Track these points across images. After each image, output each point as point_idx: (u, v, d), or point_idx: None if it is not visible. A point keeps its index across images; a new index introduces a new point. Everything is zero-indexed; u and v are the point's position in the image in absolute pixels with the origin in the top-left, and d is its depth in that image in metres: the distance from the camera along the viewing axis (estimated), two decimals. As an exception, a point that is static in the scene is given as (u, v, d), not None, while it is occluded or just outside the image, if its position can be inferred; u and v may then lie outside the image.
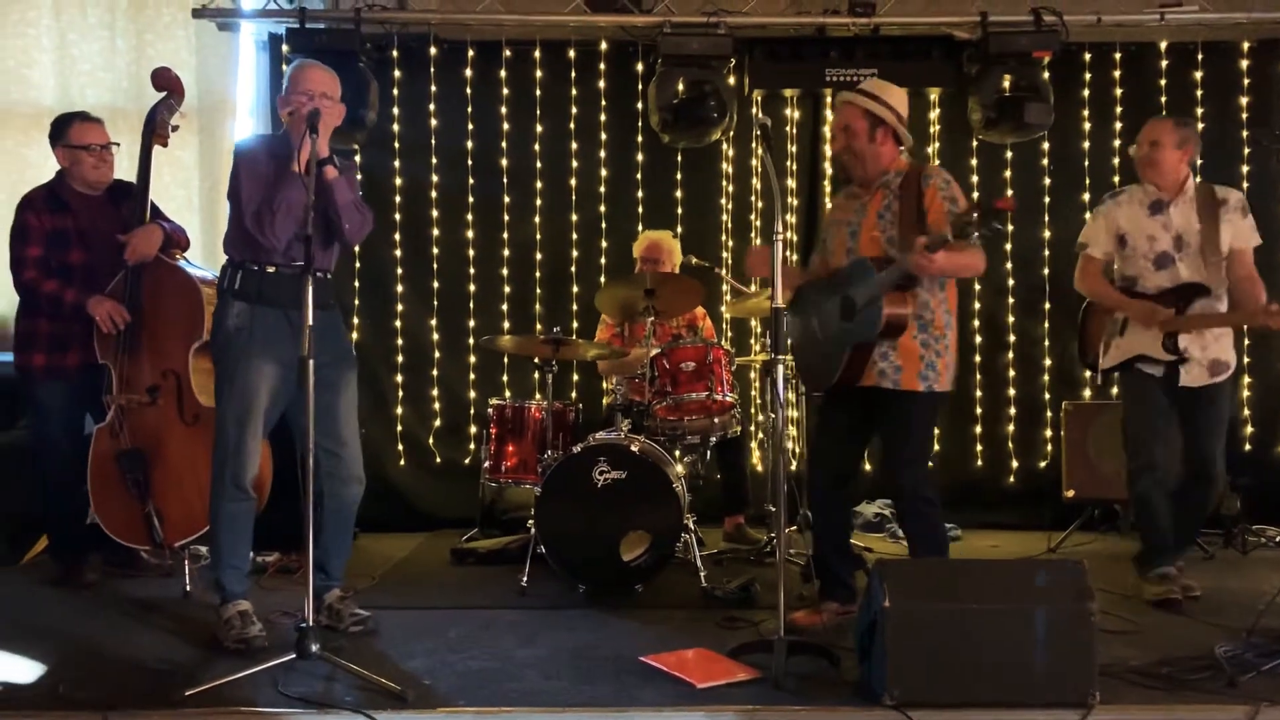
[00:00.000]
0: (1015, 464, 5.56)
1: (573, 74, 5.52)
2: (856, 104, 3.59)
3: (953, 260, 3.36)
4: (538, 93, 5.52)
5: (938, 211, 3.44)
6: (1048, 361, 5.56)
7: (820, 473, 3.74)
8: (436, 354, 5.58)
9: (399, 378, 5.56)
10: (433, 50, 5.45)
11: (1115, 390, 5.17)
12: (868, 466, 5.27)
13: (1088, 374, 5.46)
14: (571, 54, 5.50)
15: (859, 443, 3.74)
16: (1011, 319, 5.58)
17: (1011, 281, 5.56)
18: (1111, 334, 4.01)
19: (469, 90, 5.51)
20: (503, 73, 5.49)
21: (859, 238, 3.57)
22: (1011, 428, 5.57)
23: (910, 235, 3.40)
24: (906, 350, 3.46)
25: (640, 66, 5.50)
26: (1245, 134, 5.45)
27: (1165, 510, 3.93)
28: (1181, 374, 3.86)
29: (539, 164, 5.55)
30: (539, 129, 5.54)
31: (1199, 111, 5.44)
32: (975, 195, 5.37)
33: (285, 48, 5.25)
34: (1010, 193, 5.47)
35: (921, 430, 3.59)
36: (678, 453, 4.45)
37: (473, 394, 5.56)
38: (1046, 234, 5.54)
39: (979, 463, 5.57)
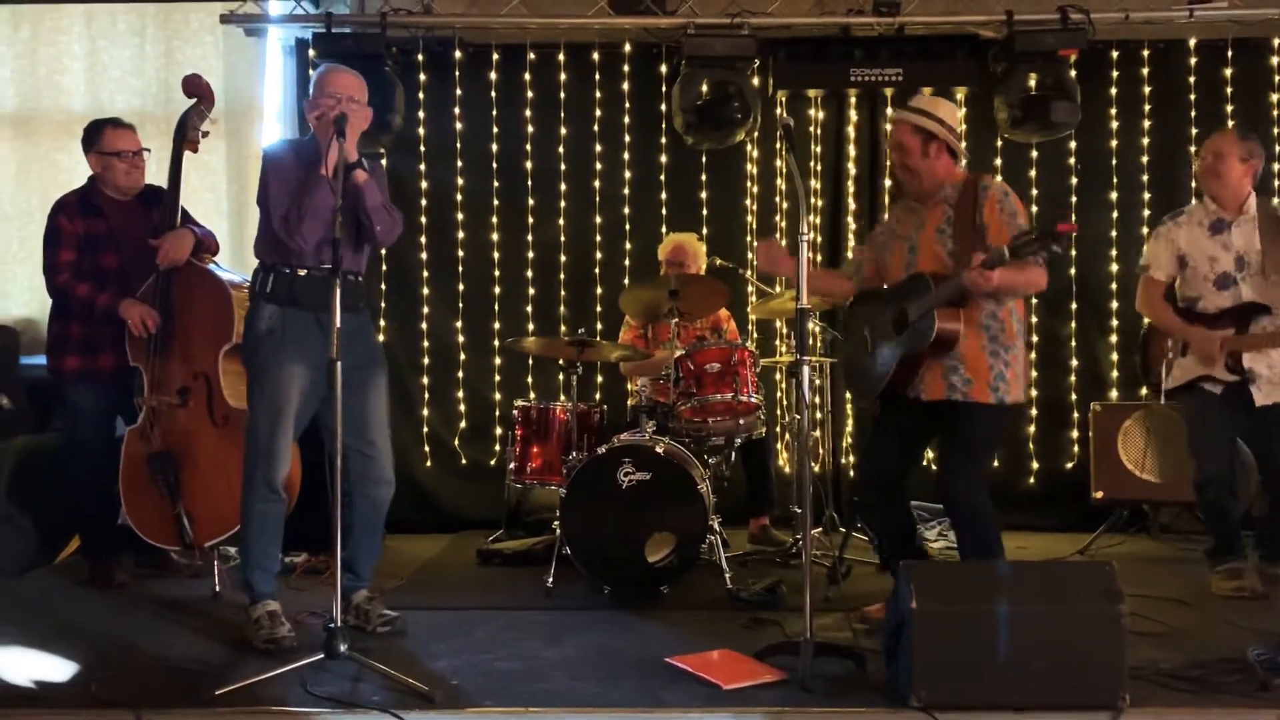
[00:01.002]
0: (1042, 465, 5.51)
1: (596, 76, 5.53)
2: (906, 120, 3.58)
3: (1010, 278, 3.32)
4: (562, 95, 5.54)
5: (997, 225, 3.41)
6: (1074, 362, 5.52)
7: (868, 479, 3.76)
8: (462, 356, 5.60)
9: (425, 380, 5.59)
10: (457, 54, 5.47)
11: (1143, 391, 5.16)
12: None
13: (1115, 375, 5.43)
14: (595, 56, 5.51)
15: (910, 452, 3.69)
16: (1036, 319, 5.54)
17: (1038, 281, 5.52)
18: (1174, 356, 4.10)
19: (493, 93, 5.53)
20: (527, 75, 5.51)
21: (918, 253, 3.55)
22: (1035, 429, 5.52)
23: (967, 248, 3.37)
24: (975, 363, 3.43)
25: (664, 68, 5.50)
26: (1277, 132, 5.38)
27: (1234, 510, 4.06)
28: (1255, 395, 3.92)
29: (563, 166, 5.57)
30: (563, 131, 5.55)
31: (1229, 109, 5.38)
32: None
33: (312, 52, 5.27)
34: (1034, 176, 5.44)
35: (983, 441, 3.54)
36: (703, 454, 4.45)
37: (498, 395, 5.58)
38: (1074, 233, 5.48)
39: (998, 464, 5.52)
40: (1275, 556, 4.09)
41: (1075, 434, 5.49)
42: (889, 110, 5.52)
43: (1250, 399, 3.92)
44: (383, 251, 5.25)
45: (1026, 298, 3.71)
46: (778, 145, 5.52)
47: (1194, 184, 5.18)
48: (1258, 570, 4.06)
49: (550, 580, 4.08)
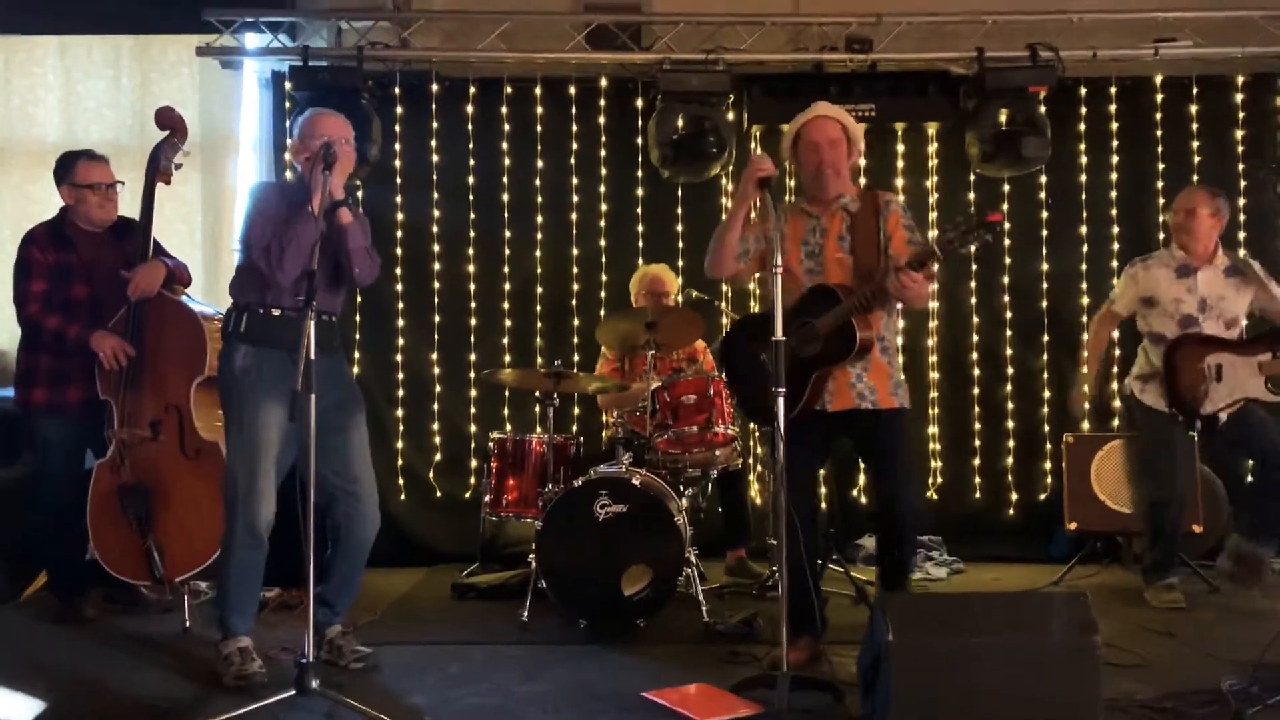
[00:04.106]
0: (1015, 496, 5.55)
1: (573, 110, 5.56)
2: (838, 119, 3.59)
3: (925, 285, 3.42)
4: (538, 128, 5.56)
5: (900, 239, 3.51)
6: (1047, 394, 5.56)
7: (803, 510, 3.61)
8: (437, 388, 5.58)
9: (400, 411, 5.56)
10: (434, 87, 5.50)
11: (1115, 423, 5.20)
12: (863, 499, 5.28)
13: (1086, 406, 5.48)
14: (572, 90, 5.55)
15: (820, 469, 3.77)
16: (1010, 351, 5.59)
17: (1010, 314, 5.58)
18: (1209, 380, 4.35)
19: (470, 126, 5.55)
20: (504, 109, 5.54)
21: (820, 259, 3.57)
22: (1011, 461, 5.56)
23: (871, 260, 3.46)
24: (878, 370, 3.54)
25: (640, 103, 5.54)
26: (1241, 167, 5.48)
27: (1181, 533, 4.47)
28: (1220, 419, 4.35)
29: (540, 199, 5.58)
30: (540, 164, 5.57)
31: (1194, 145, 5.48)
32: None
33: (288, 85, 5.30)
34: (1006, 210, 5.50)
35: (909, 449, 3.68)
36: (679, 486, 4.44)
37: (473, 427, 5.56)
38: (1045, 266, 5.56)
39: (979, 495, 5.56)
40: (1263, 535, 4.45)
41: (1048, 465, 5.53)
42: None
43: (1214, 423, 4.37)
44: (358, 282, 5.24)
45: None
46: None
47: (1161, 218, 5.29)
48: (1238, 550, 4.48)
49: (526, 614, 4.05)
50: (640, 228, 5.60)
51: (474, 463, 5.53)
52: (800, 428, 3.51)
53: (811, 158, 3.58)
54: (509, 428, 5.47)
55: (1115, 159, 5.55)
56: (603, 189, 5.59)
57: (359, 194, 5.32)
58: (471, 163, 5.56)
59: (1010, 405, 5.58)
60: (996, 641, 2.78)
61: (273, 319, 3.40)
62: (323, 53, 5.37)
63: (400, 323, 5.58)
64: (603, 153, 5.58)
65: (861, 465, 4.95)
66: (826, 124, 3.58)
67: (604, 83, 5.55)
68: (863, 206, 3.56)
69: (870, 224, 3.53)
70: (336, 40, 5.55)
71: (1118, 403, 5.31)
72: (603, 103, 5.57)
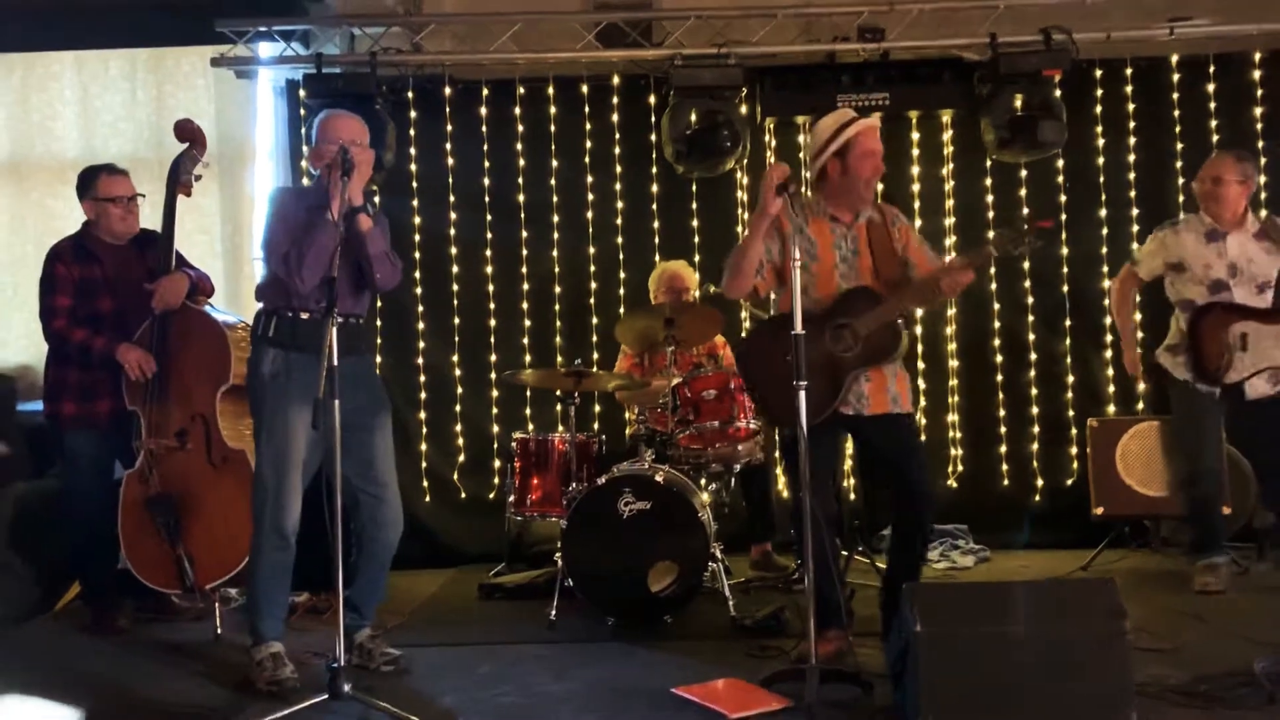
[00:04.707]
0: (1041, 483, 5.52)
1: (586, 109, 5.57)
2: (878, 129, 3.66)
3: None
4: (552, 128, 5.57)
5: (915, 248, 3.65)
6: (1070, 378, 5.53)
7: (830, 518, 3.71)
8: (459, 390, 5.60)
9: (422, 414, 5.59)
10: (447, 90, 5.52)
11: (1140, 406, 5.17)
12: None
13: (1111, 390, 5.45)
14: (584, 89, 5.55)
15: (836, 470, 3.85)
16: (1033, 337, 5.55)
17: (1031, 299, 5.55)
18: (1234, 349, 4.26)
19: (484, 128, 5.56)
20: (517, 110, 5.55)
21: (854, 265, 3.59)
22: (1036, 446, 5.53)
23: (892, 270, 3.55)
24: (900, 376, 3.64)
25: (653, 99, 5.54)
26: (1261, 144, 5.42)
27: (1220, 506, 4.43)
28: (1246, 390, 4.28)
29: (555, 198, 5.59)
30: (554, 164, 5.58)
31: (1213, 124, 5.42)
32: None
33: (303, 93, 5.32)
34: (1026, 210, 5.47)
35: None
36: (702, 481, 4.45)
37: (496, 428, 5.58)
38: (1065, 251, 5.51)
39: (1006, 482, 5.53)
40: None
41: (1074, 450, 5.49)
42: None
43: (1241, 395, 4.29)
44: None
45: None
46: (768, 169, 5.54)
47: (1181, 198, 5.25)
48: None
49: (553, 613, 4.07)
50: (656, 224, 5.60)
51: (497, 463, 5.54)
52: (826, 427, 3.55)
53: (868, 164, 3.59)
54: (531, 428, 5.49)
55: (1132, 141, 5.50)
56: (618, 187, 5.60)
57: (376, 199, 5.35)
58: (486, 164, 5.58)
59: (1034, 391, 5.54)
60: (1025, 629, 2.77)
61: (301, 322, 3.42)
62: (336, 59, 5.40)
63: (420, 326, 5.60)
64: (617, 150, 5.59)
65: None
66: (877, 134, 3.64)
67: (616, 80, 5.55)
68: (882, 217, 3.66)
69: (885, 234, 3.62)
70: (349, 47, 5.58)
71: (1142, 385, 5.29)
72: (615, 100, 5.57)
